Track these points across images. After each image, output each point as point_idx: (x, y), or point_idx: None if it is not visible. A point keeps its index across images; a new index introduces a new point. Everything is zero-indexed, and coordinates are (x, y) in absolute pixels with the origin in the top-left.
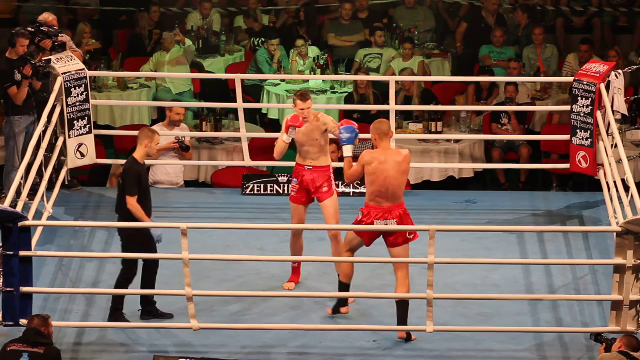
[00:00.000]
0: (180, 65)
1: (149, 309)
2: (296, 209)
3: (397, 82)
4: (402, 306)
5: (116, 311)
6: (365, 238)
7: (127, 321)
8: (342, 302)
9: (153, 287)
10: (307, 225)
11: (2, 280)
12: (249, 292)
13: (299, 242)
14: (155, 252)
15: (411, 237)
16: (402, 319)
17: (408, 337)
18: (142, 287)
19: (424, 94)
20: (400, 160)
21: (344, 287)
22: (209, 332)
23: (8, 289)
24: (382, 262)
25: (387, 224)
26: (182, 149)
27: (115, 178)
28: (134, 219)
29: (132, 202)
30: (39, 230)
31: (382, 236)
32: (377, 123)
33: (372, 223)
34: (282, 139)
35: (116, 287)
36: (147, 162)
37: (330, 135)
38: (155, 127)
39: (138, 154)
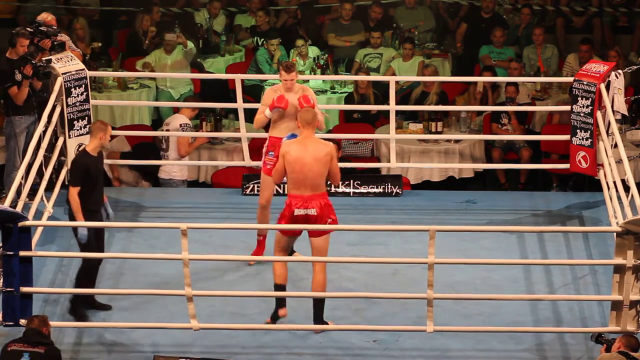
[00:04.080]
0: (182, 69)
1: (87, 299)
2: (269, 181)
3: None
4: (319, 299)
5: (78, 306)
6: (288, 231)
7: (87, 315)
8: (280, 303)
9: (93, 281)
10: (307, 225)
11: (2, 280)
12: (249, 292)
13: (266, 213)
14: (103, 243)
15: (330, 220)
16: (319, 310)
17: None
18: (79, 279)
19: (441, 94)
20: (319, 149)
21: (279, 288)
22: (209, 332)
23: (8, 289)
24: (379, 262)
25: (307, 213)
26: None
27: (116, 179)
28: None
29: (72, 193)
30: (39, 230)
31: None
32: (302, 112)
33: (292, 212)
34: (265, 114)
35: (79, 280)
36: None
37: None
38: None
39: (90, 146)
